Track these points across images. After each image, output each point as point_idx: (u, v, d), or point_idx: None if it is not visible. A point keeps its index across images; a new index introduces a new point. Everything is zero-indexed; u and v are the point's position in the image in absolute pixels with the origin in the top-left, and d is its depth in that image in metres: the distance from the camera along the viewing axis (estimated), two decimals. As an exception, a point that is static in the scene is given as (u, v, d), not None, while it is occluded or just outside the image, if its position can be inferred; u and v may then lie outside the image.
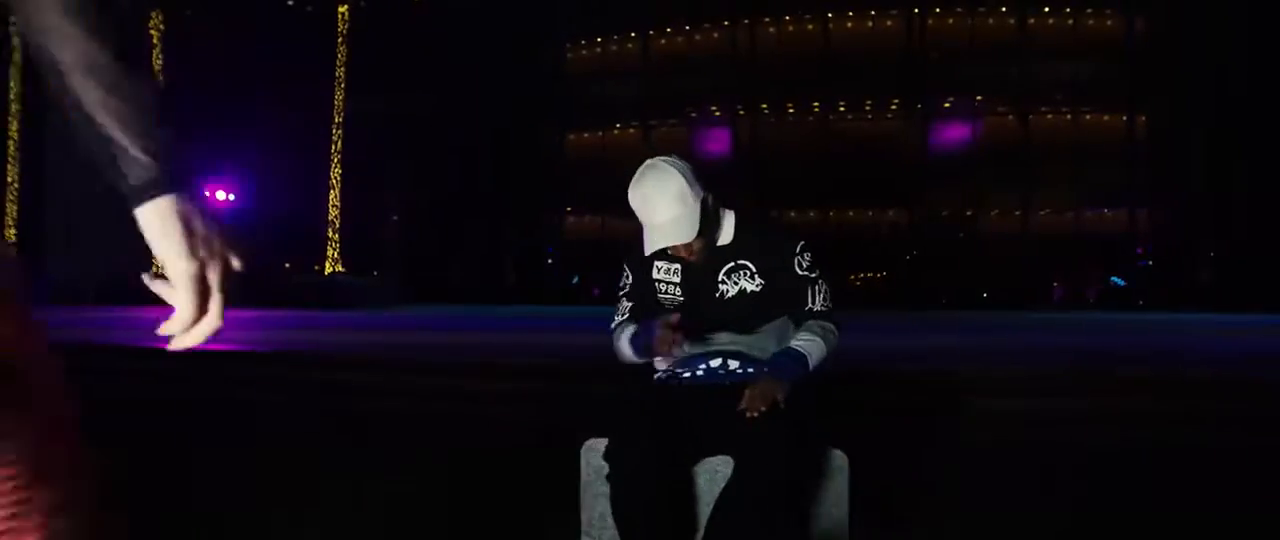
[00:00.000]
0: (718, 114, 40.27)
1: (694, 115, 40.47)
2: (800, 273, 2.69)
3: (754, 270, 2.68)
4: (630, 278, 2.85)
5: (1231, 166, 34.48)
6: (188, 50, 28.97)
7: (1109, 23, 37.29)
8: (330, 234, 28.66)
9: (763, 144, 38.55)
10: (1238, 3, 33.16)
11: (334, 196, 28.75)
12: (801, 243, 2.72)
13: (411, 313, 21.86)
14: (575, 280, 42.22)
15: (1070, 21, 37.20)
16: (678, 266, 2.77)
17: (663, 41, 40.98)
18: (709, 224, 2.65)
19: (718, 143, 39.71)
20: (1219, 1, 33.40)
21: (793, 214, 38.56)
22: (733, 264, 2.70)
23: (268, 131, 30.74)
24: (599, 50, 42.48)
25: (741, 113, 39.25)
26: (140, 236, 1.00)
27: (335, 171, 28.79)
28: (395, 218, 38.99)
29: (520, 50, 40.58)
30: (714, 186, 2.71)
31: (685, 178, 2.62)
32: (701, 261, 2.70)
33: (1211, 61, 34.08)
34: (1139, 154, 36.06)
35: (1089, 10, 37.02)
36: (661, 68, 40.14)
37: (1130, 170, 35.94)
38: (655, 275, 2.80)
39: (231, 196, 28.17)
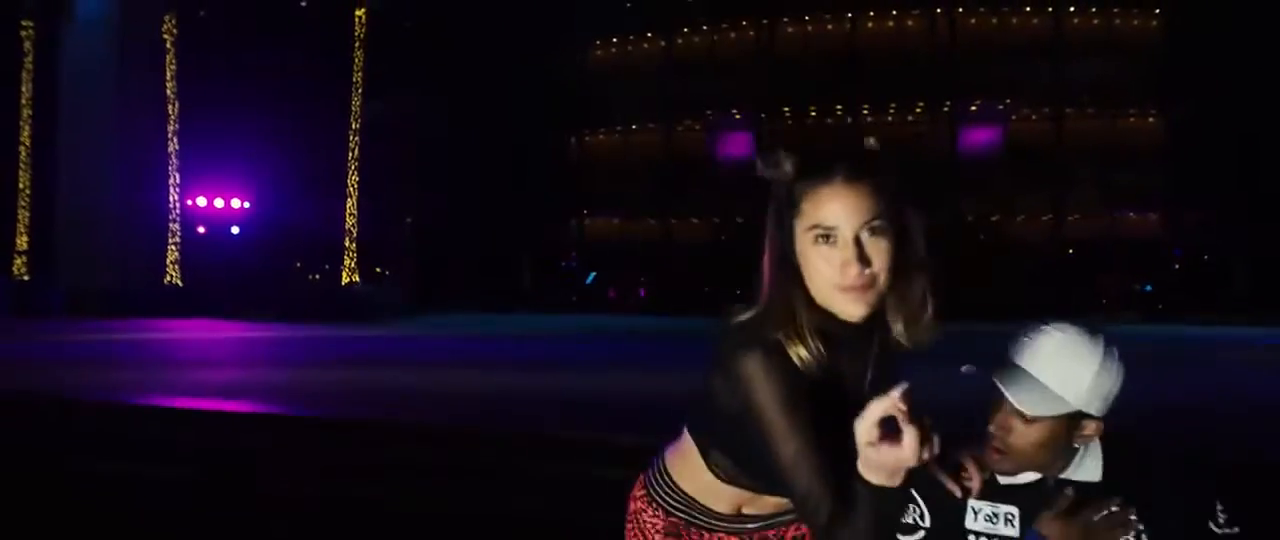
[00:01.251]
0: (738, 117, 39.16)
1: (715, 118, 39.38)
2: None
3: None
4: (928, 517, 1.61)
5: (1265, 171, 33.32)
6: (202, 54, 28.08)
7: (1136, 22, 35.96)
8: (347, 243, 27.67)
9: (784, 147, 37.35)
10: (1268, 2, 31.92)
11: (351, 204, 27.74)
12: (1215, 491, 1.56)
13: (430, 327, 20.92)
14: (590, 278, 41.27)
15: (1096, 21, 35.88)
16: (1015, 513, 1.57)
17: (680, 41, 39.88)
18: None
19: (739, 146, 38.62)
20: (1250, 1, 32.15)
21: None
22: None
23: (284, 137, 29.76)
24: (619, 50, 41.43)
25: (763, 115, 38.13)
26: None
27: (352, 179, 27.78)
28: (409, 220, 38.10)
29: (539, 50, 39.63)
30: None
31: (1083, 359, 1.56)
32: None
33: (1242, 62, 32.83)
34: (1169, 156, 34.80)
35: (1118, 9, 35.73)
36: (682, 68, 39.06)
37: (1161, 173, 34.69)
38: (973, 525, 1.60)
39: (247, 204, 27.30)
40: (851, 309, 1.39)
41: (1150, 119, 35.76)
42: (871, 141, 1.52)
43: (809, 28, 38.32)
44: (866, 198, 1.40)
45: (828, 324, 1.41)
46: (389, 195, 34.05)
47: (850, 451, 1.24)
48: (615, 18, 39.98)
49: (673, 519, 1.58)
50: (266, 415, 6.92)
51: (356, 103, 27.77)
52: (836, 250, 1.39)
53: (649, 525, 1.60)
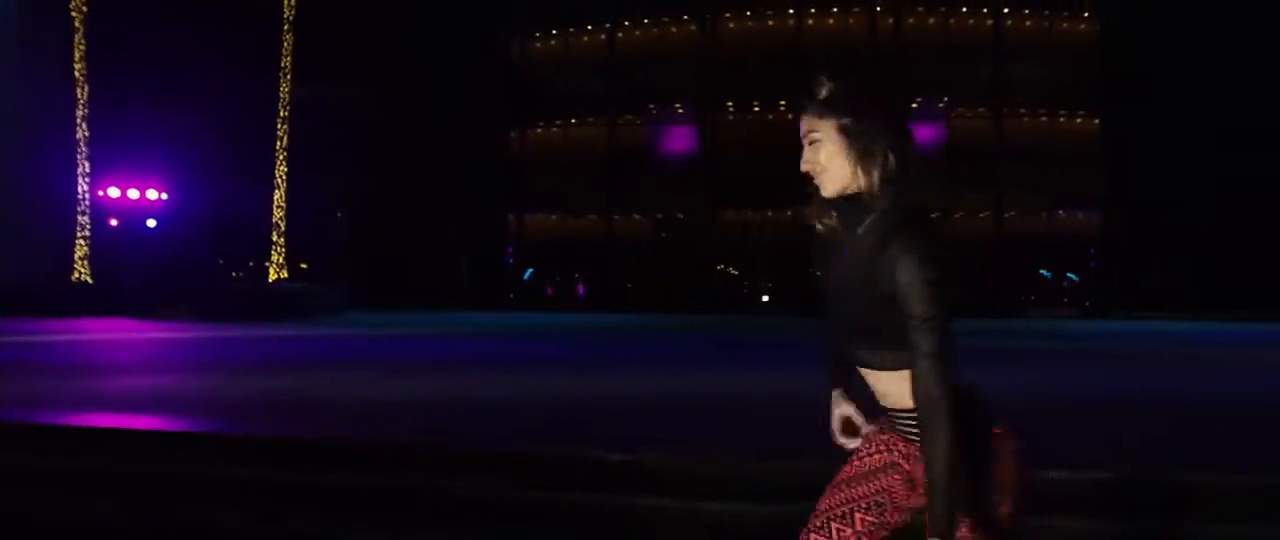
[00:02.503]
0: (682, 111, 38.46)
1: (658, 112, 38.62)
2: None
3: None
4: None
5: (1193, 171, 34.07)
6: (115, 33, 25.85)
7: (1069, 26, 36.47)
8: (274, 238, 25.94)
9: (728, 143, 36.90)
10: (1201, 7, 32.63)
11: (279, 196, 26.02)
12: None
13: (361, 326, 19.56)
14: (527, 275, 40.11)
15: (1030, 23, 36.27)
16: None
17: (621, 35, 39.02)
18: None
19: (682, 141, 37.93)
20: (1183, 6, 32.83)
21: (750, 213, 37.03)
22: None
23: (205, 124, 27.63)
24: (560, 43, 40.34)
25: (707, 110, 37.54)
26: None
27: (281, 169, 26.06)
28: (340, 215, 36.37)
29: (479, 41, 38.33)
30: None
31: None
32: None
33: (1175, 65, 33.51)
34: (1103, 157, 35.38)
35: (1050, 12, 36.18)
36: (625, 62, 38.20)
37: (1095, 174, 35.24)
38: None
39: (164, 195, 25.32)
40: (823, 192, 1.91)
41: (1080, 119, 36.30)
42: (824, 92, 1.91)
43: (751, 24, 37.87)
44: (808, 121, 1.91)
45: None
46: (320, 188, 32.31)
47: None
48: (556, 9, 38.92)
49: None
50: (189, 435, 5.75)
51: (285, 88, 26.06)
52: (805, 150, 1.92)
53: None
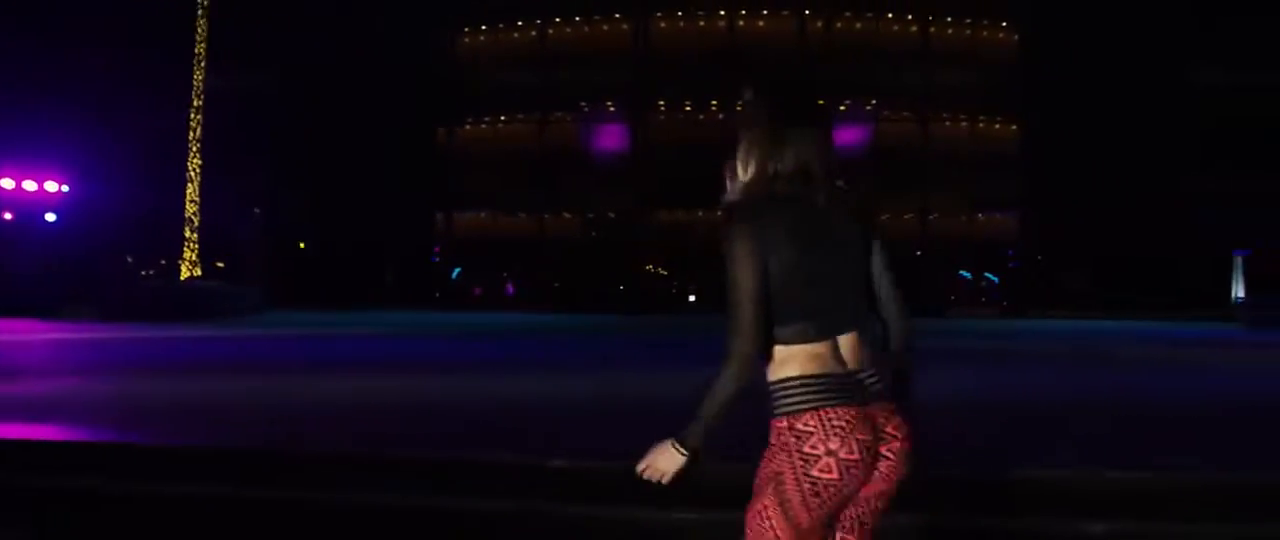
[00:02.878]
0: (614, 109, 38.13)
1: (589, 110, 38.21)
2: None
3: None
4: None
5: (1107, 176, 35.11)
6: (10, 15, 24.08)
7: (993, 35, 37.40)
8: (187, 233, 24.60)
9: (660, 141, 36.73)
10: (1119, 19, 33.74)
11: (192, 190, 24.69)
12: None
13: (278, 326, 18.66)
14: (455, 274, 39.26)
15: (952, 31, 37.08)
16: None
17: (552, 31, 38.49)
18: None
19: (614, 139, 37.60)
20: (1102, 17, 33.89)
21: (681, 213, 36.95)
22: None
23: (112, 114, 25.90)
24: (490, 38, 39.56)
25: (639, 109, 37.29)
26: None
27: (194, 161, 24.75)
28: (258, 211, 34.93)
29: (407, 35, 37.30)
30: None
31: None
32: None
33: (1093, 73, 34.58)
34: (1023, 163, 36.34)
35: (971, 20, 37.04)
36: (558, 59, 37.67)
37: (1015, 178, 36.18)
38: None
39: (65, 187, 23.73)
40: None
41: (999, 125, 37.26)
42: (747, 94, 2.04)
43: (682, 24, 37.78)
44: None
45: None
46: (237, 182, 30.93)
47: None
48: (486, 4, 38.16)
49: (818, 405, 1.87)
50: (91, 445, 5.17)
51: (199, 77, 24.74)
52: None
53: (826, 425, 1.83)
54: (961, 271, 37.14)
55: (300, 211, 34.24)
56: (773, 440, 1.86)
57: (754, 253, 1.82)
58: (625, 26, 37.73)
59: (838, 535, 1.91)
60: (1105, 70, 34.39)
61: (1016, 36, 37.07)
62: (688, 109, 37.19)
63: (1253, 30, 32.94)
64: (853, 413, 1.81)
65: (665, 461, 1.84)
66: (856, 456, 1.80)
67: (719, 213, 1.91)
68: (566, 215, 37.84)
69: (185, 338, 14.72)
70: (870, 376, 1.87)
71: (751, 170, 1.95)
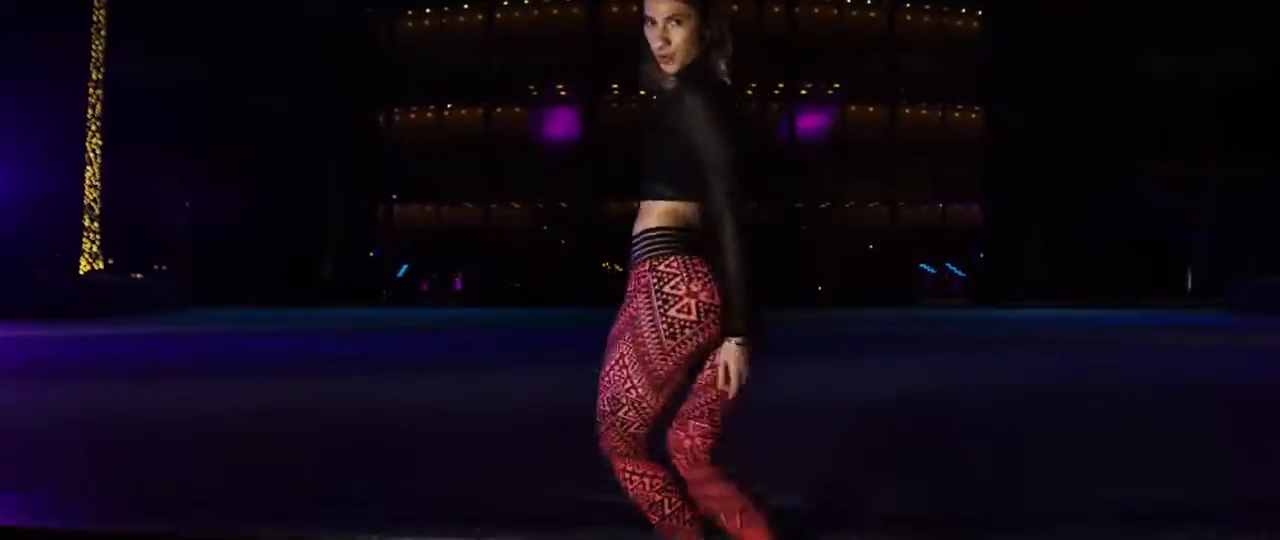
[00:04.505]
0: (564, 94, 36.08)
1: (538, 95, 36.11)
2: None
3: None
4: None
5: (1071, 166, 34.36)
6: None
7: (960, 22, 36.04)
8: (87, 222, 22.01)
9: (612, 128, 34.80)
10: (1082, 6, 32.90)
11: (92, 174, 22.08)
12: None
13: (183, 324, 16.38)
14: (402, 270, 36.94)
15: (909, 17, 35.66)
16: None
17: (500, 16, 36.32)
18: None
19: (564, 125, 35.55)
20: (1065, 5, 33.00)
21: (637, 204, 35.07)
22: None
23: (6, 98, 22.56)
24: (433, 22, 37.22)
25: (590, 94, 35.33)
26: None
27: (93, 142, 22.13)
28: (187, 203, 32.30)
29: (344, 17, 34.93)
30: None
31: None
32: None
33: (1057, 62, 33.65)
34: (987, 151, 35.14)
35: (932, 7, 35.70)
36: (504, 42, 35.47)
37: (981, 167, 34.95)
38: None
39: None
40: (665, 69, 2.02)
41: (958, 113, 35.94)
42: None
43: (636, 7, 35.86)
44: (671, 5, 1.98)
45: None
46: (152, 171, 28.32)
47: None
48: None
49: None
50: None
51: (98, 47, 22.09)
52: (654, 32, 2.01)
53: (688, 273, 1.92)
54: (923, 265, 35.81)
55: (233, 202, 31.68)
56: (630, 286, 1.95)
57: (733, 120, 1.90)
58: (577, 10, 35.70)
59: (690, 424, 1.94)
60: (1065, 56, 33.44)
61: (977, 23, 35.78)
62: (642, 94, 35.31)
63: (1208, 14, 32.40)
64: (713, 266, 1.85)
65: (738, 362, 1.87)
66: (717, 301, 1.86)
67: (692, 70, 1.96)
68: (515, 206, 35.68)
69: (59, 337, 12.50)
70: None
71: (700, 48, 2.01)
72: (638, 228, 1.93)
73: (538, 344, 12.69)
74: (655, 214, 1.91)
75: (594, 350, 2.07)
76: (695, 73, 1.97)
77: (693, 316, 1.81)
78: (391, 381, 7.53)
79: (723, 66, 1.99)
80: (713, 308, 1.82)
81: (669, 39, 1.95)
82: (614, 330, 1.91)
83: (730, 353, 1.84)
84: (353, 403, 6.32)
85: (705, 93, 1.89)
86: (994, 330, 15.24)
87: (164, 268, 31.27)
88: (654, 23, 1.97)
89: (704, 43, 1.97)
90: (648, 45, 1.98)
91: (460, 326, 17.10)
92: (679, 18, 1.94)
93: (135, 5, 24.18)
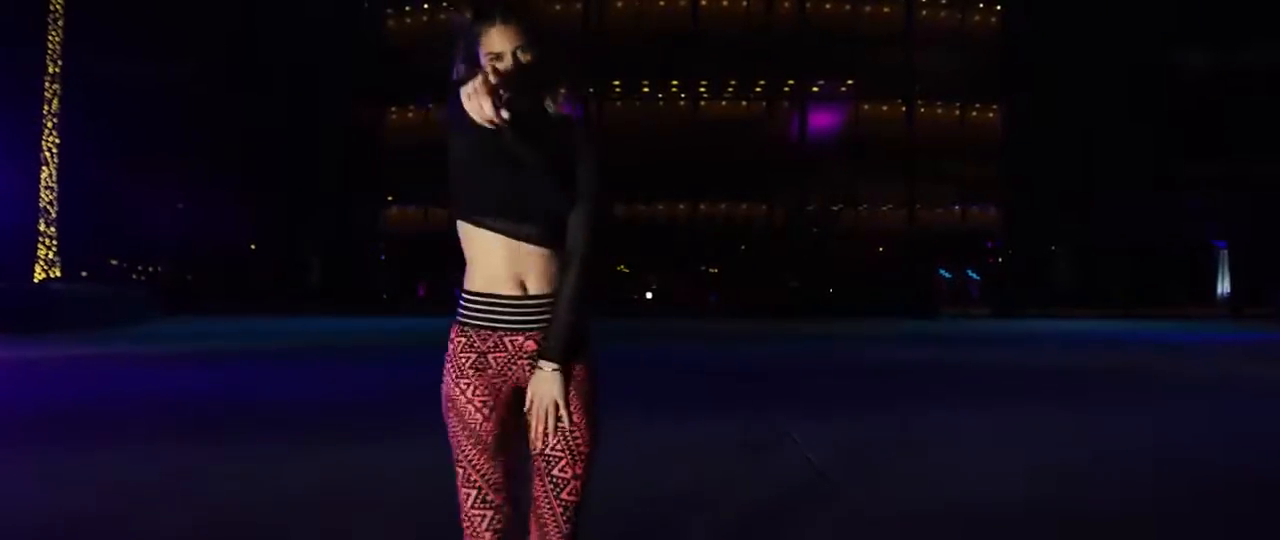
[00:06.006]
0: (563, 92, 34.24)
1: (538, 93, 34.24)
2: None
3: None
4: None
5: (1095, 167, 32.73)
6: None
7: (978, 18, 34.19)
8: (42, 226, 20.14)
9: (613, 127, 33.02)
10: (1109, 5, 31.25)
11: (48, 175, 20.22)
12: None
13: (148, 341, 14.42)
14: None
15: (925, 12, 33.82)
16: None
17: (497, 12, 34.44)
18: None
19: (565, 125, 33.73)
20: (1090, 3, 31.34)
21: (642, 207, 33.29)
22: None
23: None
24: (430, 18, 35.44)
25: (590, 92, 33.48)
26: None
27: (49, 140, 20.28)
28: (180, 207, 30.55)
29: (337, 16, 33.23)
30: None
31: None
32: None
33: (1080, 58, 31.93)
34: (1006, 150, 33.32)
35: (950, 4, 33.86)
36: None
37: (999, 167, 33.12)
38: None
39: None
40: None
41: (992, 112, 34.10)
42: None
43: (639, 1, 34.07)
44: (516, 32, 1.83)
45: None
46: (124, 169, 26.53)
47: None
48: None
49: (467, 331, 1.82)
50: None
51: (56, 39, 20.26)
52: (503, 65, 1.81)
53: (456, 356, 1.81)
54: (940, 270, 33.96)
55: (215, 205, 29.92)
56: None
57: None
58: (578, 5, 33.88)
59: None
60: (1089, 52, 31.70)
61: (994, 19, 33.93)
62: (646, 90, 33.50)
63: (1237, 12, 30.77)
64: None
65: (551, 390, 1.76)
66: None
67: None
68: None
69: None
70: None
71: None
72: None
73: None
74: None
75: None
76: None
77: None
78: (334, 452, 4.87)
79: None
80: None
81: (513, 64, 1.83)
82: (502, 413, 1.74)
83: (543, 380, 1.73)
84: (235, 498, 3.94)
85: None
86: (1124, 356, 11.59)
87: (155, 270, 29.50)
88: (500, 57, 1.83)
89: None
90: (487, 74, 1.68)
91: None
92: (520, 51, 1.84)
93: (129, 14, 22.36)
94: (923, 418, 5.97)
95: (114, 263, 27.60)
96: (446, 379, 1.76)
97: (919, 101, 33.14)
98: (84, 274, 23.17)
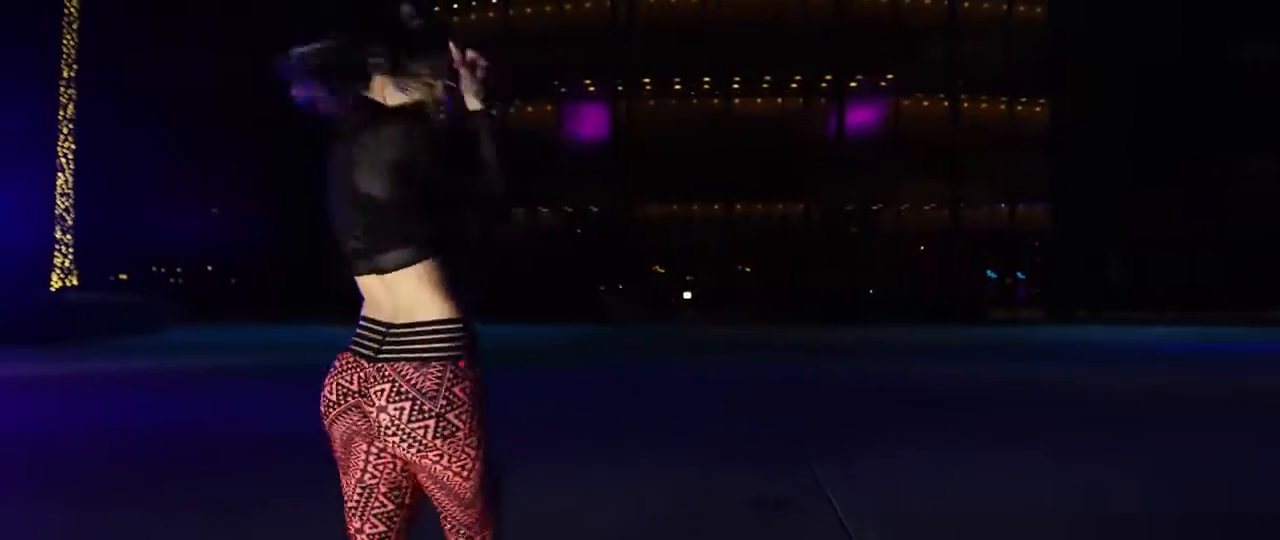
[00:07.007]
0: (593, 89, 33.58)
1: (565, 91, 33.64)
2: None
3: None
4: None
5: (1147, 162, 31.31)
6: None
7: (1038, 8, 32.84)
8: (59, 234, 19.89)
9: (643, 125, 32.27)
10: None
11: (63, 181, 19.98)
12: None
13: (153, 354, 13.79)
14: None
15: (986, 3, 32.53)
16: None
17: (512, 11, 33.92)
18: None
19: (592, 123, 33.06)
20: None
21: (675, 207, 32.49)
22: None
23: None
24: (451, 20, 35.00)
25: (620, 89, 32.82)
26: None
27: (65, 145, 20.03)
28: (215, 211, 30.41)
29: (354, 16, 32.77)
30: None
31: None
32: None
33: (1132, 48, 30.51)
34: (1054, 146, 31.99)
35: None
36: (527, 37, 33.03)
37: (1047, 163, 31.81)
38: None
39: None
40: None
41: (1039, 106, 32.76)
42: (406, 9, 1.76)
43: (670, -6, 33.25)
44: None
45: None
46: (141, 176, 26.37)
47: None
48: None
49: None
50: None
51: (71, 43, 20.00)
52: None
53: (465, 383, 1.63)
54: (987, 271, 32.74)
55: (238, 211, 29.72)
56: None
57: None
58: (607, 1, 33.21)
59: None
60: (1141, 42, 30.28)
61: (1040, 8, 32.57)
62: (677, 86, 32.70)
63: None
64: None
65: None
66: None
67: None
68: (542, 211, 33.27)
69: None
70: None
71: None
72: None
73: (582, 399, 9.24)
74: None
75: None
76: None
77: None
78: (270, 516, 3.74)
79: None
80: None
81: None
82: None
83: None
84: None
85: None
86: (1201, 372, 10.18)
87: (177, 277, 29.37)
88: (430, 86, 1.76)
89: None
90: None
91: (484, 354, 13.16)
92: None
93: (159, 21, 22.07)
94: (979, 469, 5.02)
95: (125, 277, 27.41)
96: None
97: (963, 95, 31.94)
98: (115, 277, 22.97)
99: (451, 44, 1.68)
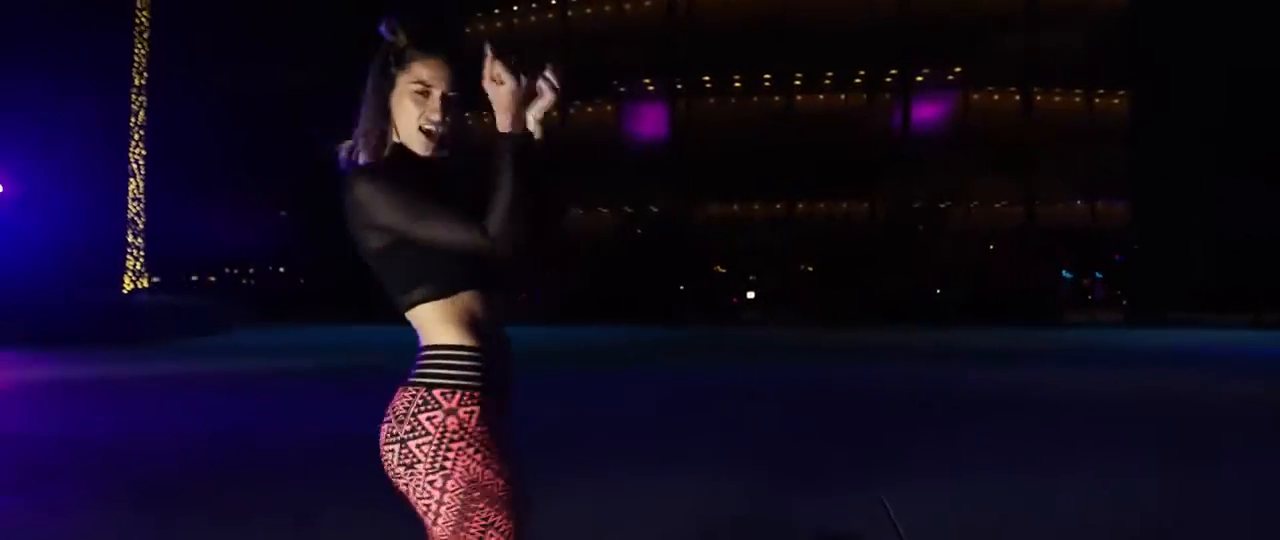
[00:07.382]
0: (652, 89, 33.30)
1: (624, 91, 33.42)
2: None
3: None
4: None
5: (1233, 155, 29.75)
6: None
7: None
8: (130, 237, 20.31)
9: (703, 124, 31.87)
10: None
11: (135, 186, 20.40)
12: None
13: (215, 356, 13.86)
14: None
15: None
16: None
17: (571, 12, 33.81)
18: None
19: (651, 123, 32.77)
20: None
21: (736, 207, 31.99)
22: None
23: (31, 95, 20.98)
24: (504, 24, 35.05)
25: (680, 87, 32.47)
26: None
27: (137, 151, 20.46)
28: (284, 213, 30.95)
29: (416, 20, 33.00)
30: None
31: None
32: None
33: (1215, 38, 29.03)
34: (1135, 140, 30.63)
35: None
36: (585, 37, 32.89)
37: (1125, 157, 30.46)
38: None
39: (-1, 187, 19.62)
40: (423, 148, 1.59)
41: (1118, 99, 31.41)
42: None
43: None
44: (453, 72, 1.61)
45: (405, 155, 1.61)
46: (211, 182, 26.78)
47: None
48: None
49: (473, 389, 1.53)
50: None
51: (141, 52, 20.42)
52: (428, 102, 1.60)
53: (460, 418, 1.50)
54: (1063, 271, 31.53)
55: (321, 217, 30.18)
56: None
57: None
58: (666, -1, 32.85)
59: None
60: (1224, 31, 28.79)
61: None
62: (737, 85, 32.22)
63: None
64: None
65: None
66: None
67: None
68: (602, 211, 33.07)
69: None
70: None
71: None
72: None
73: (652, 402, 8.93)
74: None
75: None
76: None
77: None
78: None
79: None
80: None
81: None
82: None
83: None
84: None
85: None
86: None
87: (249, 278, 29.86)
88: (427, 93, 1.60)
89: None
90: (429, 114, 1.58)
91: (533, 357, 12.02)
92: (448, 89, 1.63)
93: (216, 30, 22.46)
94: (1054, 487, 4.51)
95: (196, 278, 27.96)
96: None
97: (1037, 88, 30.80)
98: (187, 279, 23.40)
99: (487, 49, 1.48)
